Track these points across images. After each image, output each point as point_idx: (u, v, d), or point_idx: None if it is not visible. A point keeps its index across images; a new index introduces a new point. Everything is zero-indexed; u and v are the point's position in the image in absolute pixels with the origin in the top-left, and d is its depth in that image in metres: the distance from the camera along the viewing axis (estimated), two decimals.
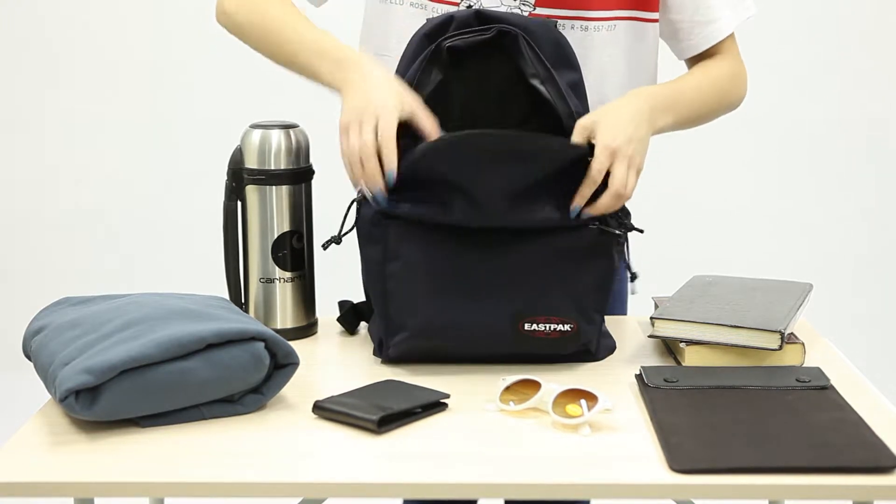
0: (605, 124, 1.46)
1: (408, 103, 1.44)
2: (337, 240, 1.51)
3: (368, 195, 1.45)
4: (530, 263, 1.44)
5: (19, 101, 3.57)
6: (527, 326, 1.45)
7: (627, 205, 1.64)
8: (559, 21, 1.58)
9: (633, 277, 1.53)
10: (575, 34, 1.59)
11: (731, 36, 1.71)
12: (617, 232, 1.47)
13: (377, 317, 1.51)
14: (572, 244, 1.45)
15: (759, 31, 3.24)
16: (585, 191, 1.44)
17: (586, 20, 1.60)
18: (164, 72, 3.53)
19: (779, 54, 3.45)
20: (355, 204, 1.51)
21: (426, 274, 1.45)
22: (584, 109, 1.51)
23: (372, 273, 1.50)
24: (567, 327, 1.45)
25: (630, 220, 1.54)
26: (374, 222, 1.47)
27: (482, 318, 1.44)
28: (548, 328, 1.45)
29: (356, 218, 1.51)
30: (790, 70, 3.48)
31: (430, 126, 1.43)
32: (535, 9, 1.59)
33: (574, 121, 1.47)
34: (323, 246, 1.53)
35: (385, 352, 1.49)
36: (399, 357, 1.49)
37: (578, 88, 1.52)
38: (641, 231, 1.51)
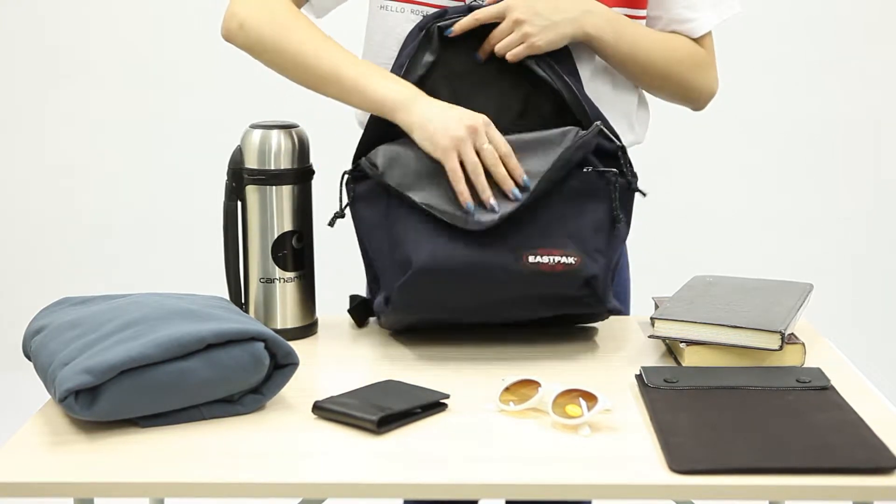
0: None
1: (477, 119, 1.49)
2: (341, 214, 1.56)
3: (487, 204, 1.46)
4: (528, 204, 1.46)
5: (19, 101, 3.57)
6: (531, 259, 1.44)
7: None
8: None
9: (617, 220, 1.52)
10: None
11: (709, 36, 1.70)
12: (613, 170, 1.50)
13: (381, 272, 1.53)
14: (568, 186, 1.48)
15: (756, 29, 3.25)
16: (466, 21, 1.54)
17: None
18: (163, 72, 3.53)
19: (777, 53, 3.46)
20: (345, 177, 1.56)
21: (428, 214, 1.47)
22: (579, 83, 1.56)
23: (375, 230, 1.53)
24: (571, 259, 1.44)
25: (630, 169, 1.55)
26: (372, 188, 1.52)
27: (486, 253, 1.45)
28: (552, 260, 1.44)
29: (350, 190, 1.55)
30: (790, 69, 3.48)
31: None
32: None
33: (575, 96, 1.53)
34: (329, 223, 1.56)
35: (391, 302, 1.49)
36: (406, 304, 1.48)
37: (572, 68, 1.57)
38: (643, 193, 1.54)
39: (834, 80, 3.49)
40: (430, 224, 1.47)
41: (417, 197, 1.48)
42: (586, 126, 1.52)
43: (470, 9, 1.56)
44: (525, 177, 1.47)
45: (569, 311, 1.51)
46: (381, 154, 1.52)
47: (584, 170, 1.50)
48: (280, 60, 1.58)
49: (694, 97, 1.70)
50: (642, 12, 1.65)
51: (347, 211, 1.58)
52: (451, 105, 1.50)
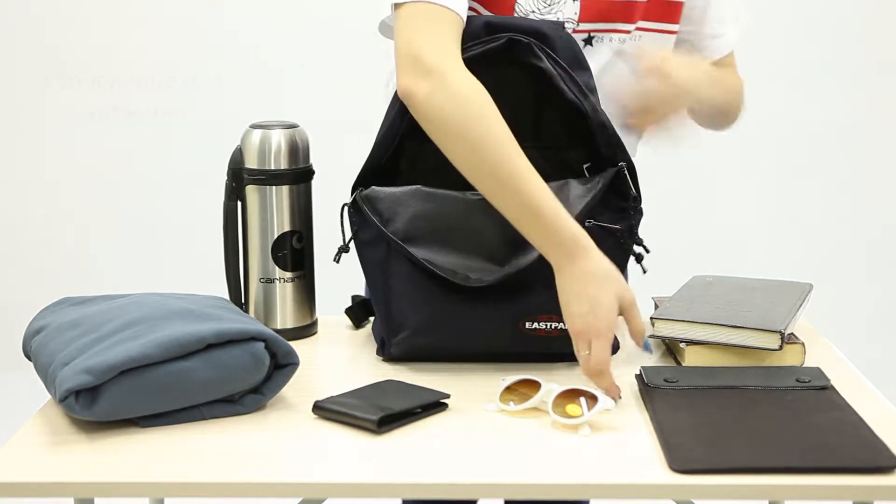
0: (676, 62, 1.57)
1: (626, 299, 1.37)
2: (345, 248, 1.53)
3: None
4: (529, 262, 1.44)
5: (19, 101, 3.57)
6: (528, 325, 1.45)
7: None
8: (599, 34, 1.59)
9: (639, 258, 1.52)
10: (612, 45, 1.60)
11: (732, 55, 1.74)
12: (617, 227, 1.48)
13: (379, 316, 1.51)
14: None
15: (756, 32, 3.25)
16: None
17: (623, 32, 1.61)
18: (164, 72, 3.53)
19: (778, 55, 3.45)
20: (346, 210, 1.52)
21: (427, 272, 1.45)
22: (599, 106, 1.51)
23: (374, 273, 1.50)
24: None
25: (636, 218, 1.52)
26: (375, 227, 1.48)
27: (483, 316, 1.45)
28: (549, 326, 1.45)
29: (352, 222, 1.52)
30: (789, 70, 3.48)
31: (637, 327, 1.39)
32: (578, 25, 1.58)
33: (598, 116, 1.48)
34: (335, 259, 1.53)
35: (387, 350, 1.50)
36: (401, 355, 1.49)
37: (591, 86, 1.52)
38: (644, 246, 1.52)
39: (833, 82, 3.49)
40: (428, 281, 1.45)
41: (419, 252, 1.45)
42: (599, 143, 1.48)
43: (487, 24, 1.48)
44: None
45: (561, 360, 1.49)
46: (385, 200, 1.48)
47: (587, 223, 1.45)
48: (462, 153, 1.41)
49: (732, 121, 1.75)
50: (675, 27, 1.66)
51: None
52: (598, 285, 1.36)
